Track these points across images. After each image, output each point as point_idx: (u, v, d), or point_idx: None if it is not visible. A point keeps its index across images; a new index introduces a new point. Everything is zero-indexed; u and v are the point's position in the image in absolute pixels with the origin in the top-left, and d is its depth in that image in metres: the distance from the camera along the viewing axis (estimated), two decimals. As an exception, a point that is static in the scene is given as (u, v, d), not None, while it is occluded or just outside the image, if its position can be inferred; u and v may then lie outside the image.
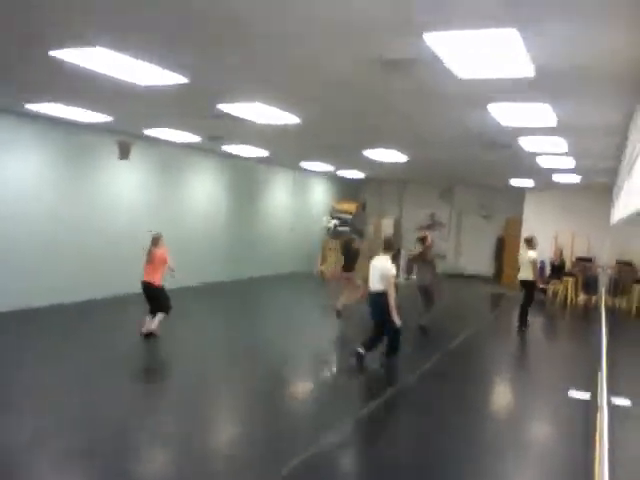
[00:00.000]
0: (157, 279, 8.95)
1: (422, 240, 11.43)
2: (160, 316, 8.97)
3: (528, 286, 12.12)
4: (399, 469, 5.33)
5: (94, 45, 5.37)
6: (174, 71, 6.20)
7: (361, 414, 6.61)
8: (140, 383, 7.60)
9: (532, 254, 11.95)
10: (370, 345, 8.39)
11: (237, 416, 6.62)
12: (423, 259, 11.24)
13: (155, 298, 8.96)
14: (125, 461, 5.13)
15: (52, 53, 5.71)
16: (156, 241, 9.09)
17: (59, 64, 6.05)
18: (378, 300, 8.20)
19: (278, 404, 6.87)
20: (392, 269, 8.17)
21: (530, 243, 12.23)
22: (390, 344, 8.42)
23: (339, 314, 11.37)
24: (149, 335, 8.91)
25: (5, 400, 6.27)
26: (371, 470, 5.29)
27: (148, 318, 9.00)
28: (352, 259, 11.85)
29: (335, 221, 19.69)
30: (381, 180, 21.64)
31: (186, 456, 5.26)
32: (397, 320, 8.08)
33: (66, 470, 4.95)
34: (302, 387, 7.91)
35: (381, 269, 8.17)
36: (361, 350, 8.30)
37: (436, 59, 5.02)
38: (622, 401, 7.25)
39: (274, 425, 6.16)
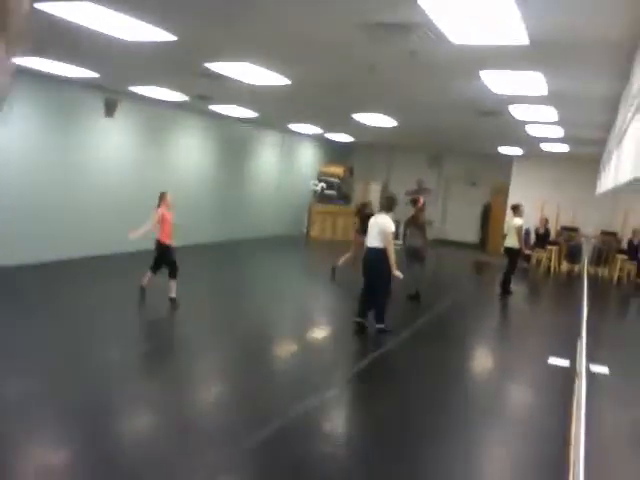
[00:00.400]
0: (161, 238, 8.86)
1: (414, 202, 11.28)
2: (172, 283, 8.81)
3: (512, 254, 12.21)
4: (377, 437, 5.41)
5: (81, -2, 5.23)
6: (162, 28, 6.07)
7: (344, 377, 6.68)
8: (125, 341, 7.61)
9: (518, 221, 12.05)
10: (365, 310, 8.33)
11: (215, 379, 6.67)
12: (415, 222, 11.11)
13: (158, 256, 8.92)
14: (96, 420, 5.17)
15: (37, 5, 5.55)
16: (159, 200, 8.98)
17: (44, 17, 5.89)
18: (375, 257, 8.08)
19: (260, 366, 6.93)
20: (391, 226, 8.06)
21: (516, 210, 12.32)
22: (378, 308, 8.30)
23: (334, 273, 11.43)
24: (172, 300, 8.78)
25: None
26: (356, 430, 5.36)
27: (148, 273, 8.93)
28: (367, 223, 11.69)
29: (322, 184, 19.63)
30: (370, 145, 21.51)
31: (161, 418, 5.31)
32: (398, 273, 8.05)
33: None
34: (286, 351, 7.96)
35: (381, 225, 8.05)
36: (359, 319, 8.28)
37: (430, 23, 4.94)
38: (600, 368, 7.38)
39: (253, 388, 6.22)
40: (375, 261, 8.10)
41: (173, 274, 8.76)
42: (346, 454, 4.99)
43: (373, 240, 8.15)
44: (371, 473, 4.57)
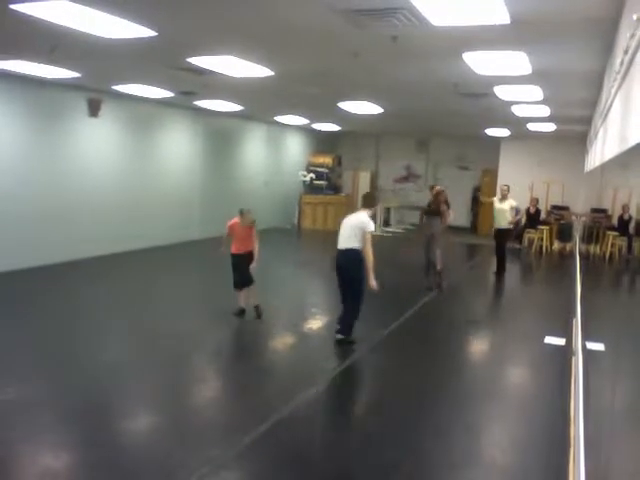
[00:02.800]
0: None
1: (431, 189, 11.75)
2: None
3: (504, 234, 12.61)
4: (374, 420, 5.42)
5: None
6: (141, 24, 6.01)
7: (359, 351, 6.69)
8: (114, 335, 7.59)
9: (512, 202, 12.49)
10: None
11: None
12: (431, 210, 11.04)
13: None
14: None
15: (13, 7, 5.48)
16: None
17: (21, 18, 5.82)
18: (350, 259, 7.08)
19: (257, 360, 6.92)
20: (370, 224, 7.13)
21: (504, 193, 12.65)
22: (346, 317, 7.27)
23: None
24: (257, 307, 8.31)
25: None
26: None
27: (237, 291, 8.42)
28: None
29: (312, 175, 19.58)
30: (357, 133, 21.47)
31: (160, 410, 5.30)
32: (373, 282, 6.99)
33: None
34: (276, 344, 7.94)
35: (357, 224, 7.08)
36: (339, 337, 7.30)
37: (411, 6, 4.91)
38: (596, 345, 7.40)
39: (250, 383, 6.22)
40: (350, 264, 7.10)
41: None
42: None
43: (347, 241, 7.11)
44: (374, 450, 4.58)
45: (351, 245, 7.05)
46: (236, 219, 8.52)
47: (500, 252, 12.74)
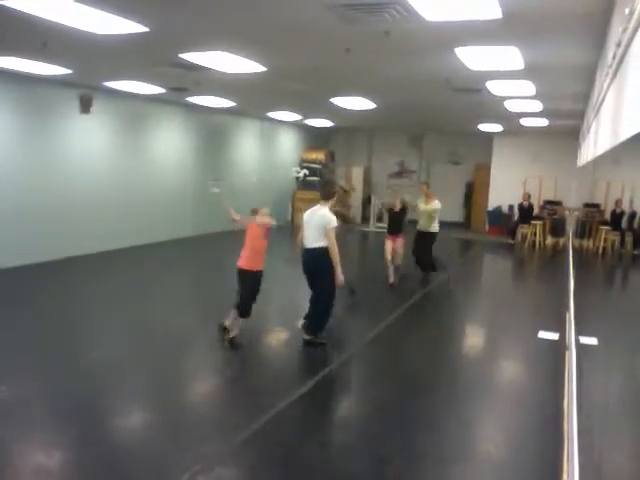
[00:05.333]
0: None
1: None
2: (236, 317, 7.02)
3: (428, 237, 11.07)
4: (368, 416, 5.42)
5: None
6: (132, 20, 5.98)
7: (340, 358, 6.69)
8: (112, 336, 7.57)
9: (438, 204, 11.02)
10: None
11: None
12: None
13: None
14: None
15: (2, 2, 5.44)
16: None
17: (11, 14, 5.78)
18: (314, 257, 6.85)
19: (255, 358, 6.92)
20: (331, 220, 6.75)
21: (425, 192, 11.24)
22: (316, 315, 7.05)
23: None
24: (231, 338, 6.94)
25: None
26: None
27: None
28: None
29: (305, 171, 19.55)
30: (350, 129, 21.46)
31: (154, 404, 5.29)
32: (341, 277, 6.76)
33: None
34: (271, 341, 7.93)
35: (319, 223, 6.77)
36: (307, 337, 7.06)
37: (403, 1, 4.90)
38: (589, 340, 7.43)
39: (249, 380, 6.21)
40: (315, 262, 6.86)
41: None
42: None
43: (313, 240, 6.86)
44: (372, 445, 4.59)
45: (317, 244, 6.80)
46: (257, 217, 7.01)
47: (420, 254, 11.14)
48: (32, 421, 4.94)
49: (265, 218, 6.97)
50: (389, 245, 10.54)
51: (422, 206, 11.09)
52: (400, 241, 10.60)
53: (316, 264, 6.87)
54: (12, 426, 4.82)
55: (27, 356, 6.45)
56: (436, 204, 10.97)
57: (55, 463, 4.39)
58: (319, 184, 7.17)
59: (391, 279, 10.46)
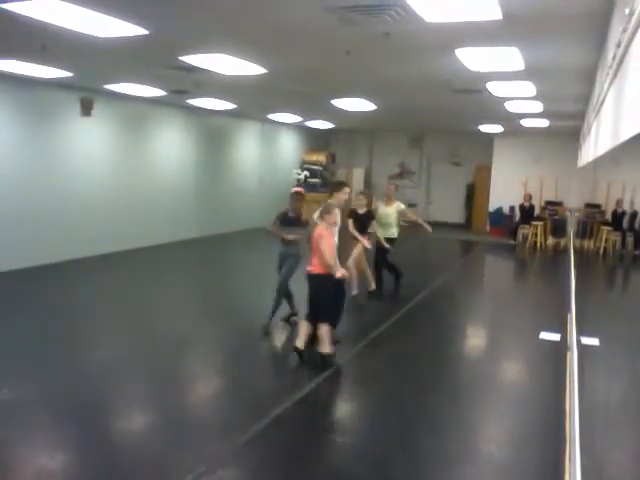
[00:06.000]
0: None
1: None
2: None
3: (393, 244, 10.03)
4: (369, 416, 5.42)
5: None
6: (133, 22, 5.98)
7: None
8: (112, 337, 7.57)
9: (401, 205, 10.25)
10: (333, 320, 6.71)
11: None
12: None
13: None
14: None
15: (3, 5, 5.45)
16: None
17: (12, 18, 5.79)
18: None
19: (249, 364, 6.91)
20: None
21: (389, 194, 10.36)
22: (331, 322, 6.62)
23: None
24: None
25: None
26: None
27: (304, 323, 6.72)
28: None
29: (305, 173, 19.57)
30: (351, 130, 21.46)
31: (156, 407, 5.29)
32: (341, 271, 6.50)
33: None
34: (274, 341, 7.93)
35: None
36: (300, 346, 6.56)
37: (403, 2, 4.90)
38: (590, 340, 7.42)
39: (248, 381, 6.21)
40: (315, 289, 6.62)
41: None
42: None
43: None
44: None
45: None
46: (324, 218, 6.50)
47: (380, 265, 10.19)
48: (34, 423, 4.94)
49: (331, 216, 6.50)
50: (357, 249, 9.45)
51: (382, 209, 10.05)
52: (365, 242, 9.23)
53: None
54: (14, 427, 4.82)
55: (29, 358, 6.45)
56: (399, 204, 10.15)
57: (57, 465, 4.40)
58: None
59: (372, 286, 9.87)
